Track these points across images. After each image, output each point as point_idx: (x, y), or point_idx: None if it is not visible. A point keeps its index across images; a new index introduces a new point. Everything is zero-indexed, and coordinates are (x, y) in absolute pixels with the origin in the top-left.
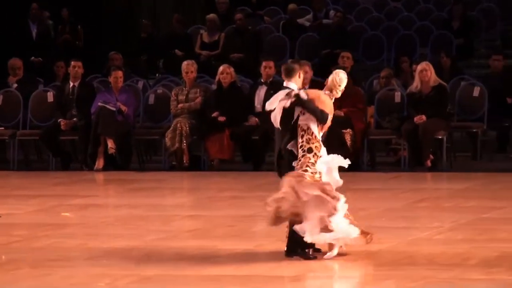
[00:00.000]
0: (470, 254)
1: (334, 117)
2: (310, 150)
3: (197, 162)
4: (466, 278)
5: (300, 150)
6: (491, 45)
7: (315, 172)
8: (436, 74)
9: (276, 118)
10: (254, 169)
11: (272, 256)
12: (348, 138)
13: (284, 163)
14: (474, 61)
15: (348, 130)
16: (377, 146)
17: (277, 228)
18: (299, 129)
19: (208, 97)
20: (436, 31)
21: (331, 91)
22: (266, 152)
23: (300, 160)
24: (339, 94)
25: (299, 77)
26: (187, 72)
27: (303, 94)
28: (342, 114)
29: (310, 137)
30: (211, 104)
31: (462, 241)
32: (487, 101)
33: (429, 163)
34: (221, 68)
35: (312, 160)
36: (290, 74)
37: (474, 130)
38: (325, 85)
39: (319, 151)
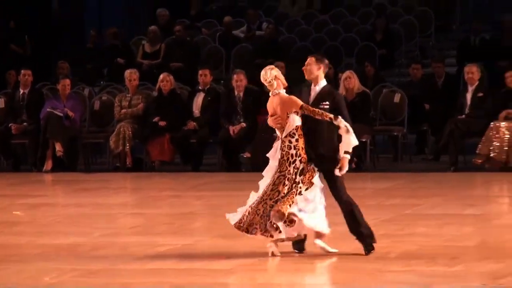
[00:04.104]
0: (391, 248)
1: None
2: None
3: (139, 164)
4: (387, 270)
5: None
6: (411, 55)
7: None
8: (361, 82)
9: None
10: (192, 170)
11: (210, 251)
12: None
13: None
14: (395, 70)
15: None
16: None
17: (215, 224)
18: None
19: (150, 103)
20: (361, 43)
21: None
22: (203, 154)
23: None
24: (270, 88)
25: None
26: (130, 80)
27: None
28: None
29: None
30: (152, 110)
31: (384, 236)
32: (407, 106)
33: (353, 164)
34: (161, 76)
35: None
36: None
37: (395, 134)
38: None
39: None
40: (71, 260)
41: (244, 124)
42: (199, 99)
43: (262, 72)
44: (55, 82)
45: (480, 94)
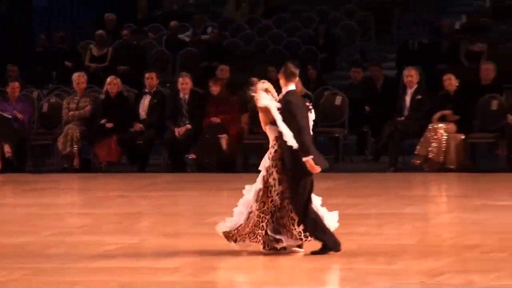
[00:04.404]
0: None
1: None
2: None
3: (87, 165)
4: (328, 268)
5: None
6: (352, 59)
7: None
8: (303, 85)
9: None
10: (139, 170)
11: (156, 249)
12: (224, 142)
13: None
14: (336, 73)
15: (224, 135)
16: (250, 149)
17: (161, 224)
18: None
19: (97, 106)
20: (303, 47)
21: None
22: (149, 155)
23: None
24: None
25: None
26: (77, 83)
27: None
28: (219, 120)
29: None
30: (100, 112)
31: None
32: (348, 109)
33: None
34: (108, 79)
35: None
36: (290, 77)
37: (337, 135)
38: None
39: None
40: (20, 259)
41: (189, 126)
42: (145, 101)
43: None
44: (4, 85)
45: (419, 97)
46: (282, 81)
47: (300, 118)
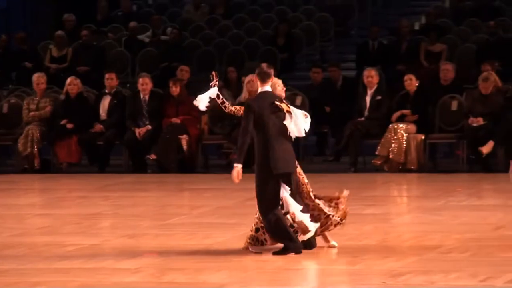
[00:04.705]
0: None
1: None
2: None
3: (47, 165)
4: (284, 268)
5: None
6: (311, 59)
7: None
8: None
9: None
10: (99, 171)
11: (116, 250)
12: (184, 143)
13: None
14: (296, 73)
15: (184, 136)
16: (210, 150)
17: (121, 224)
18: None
19: (57, 106)
20: (263, 47)
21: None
22: (110, 155)
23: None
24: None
25: (272, 80)
26: (37, 84)
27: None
28: (179, 121)
29: None
30: (60, 113)
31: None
32: (308, 109)
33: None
34: (68, 80)
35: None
36: (265, 78)
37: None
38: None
39: None
40: None
41: (149, 127)
42: (105, 102)
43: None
44: None
45: (379, 97)
46: (258, 83)
47: (247, 123)
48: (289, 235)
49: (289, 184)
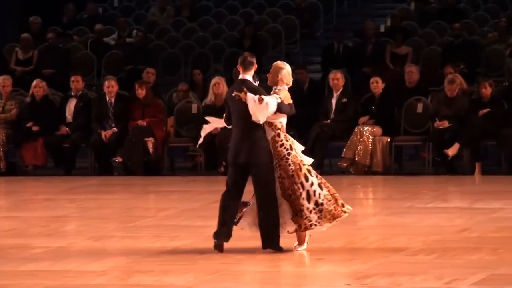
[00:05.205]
0: (258, 249)
1: (137, 126)
2: (292, 148)
3: (13, 168)
4: (253, 271)
5: (282, 149)
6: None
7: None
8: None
9: (258, 114)
10: (65, 173)
11: (83, 253)
12: (150, 145)
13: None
14: (262, 75)
15: (150, 138)
16: (176, 152)
17: (87, 227)
18: (273, 127)
19: (23, 109)
20: (229, 49)
21: (280, 83)
22: (76, 158)
23: (288, 159)
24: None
25: (255, 69)
26: (3, 86)
27: (278, 99)
28: (145, 124)
29: (285, 133)
30: (26, 115)
31: (252, 237)
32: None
33: (222, 168)
34: (34, 82)
35: (300, 158)
36: (248, 67)
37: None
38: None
39: (295, 145)
40: None
41: (115, 129)
42: (71, 104)
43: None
44: None
45: (344, 100)
46: (240, 70)
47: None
48: (219, 223)
49: (246, 174)
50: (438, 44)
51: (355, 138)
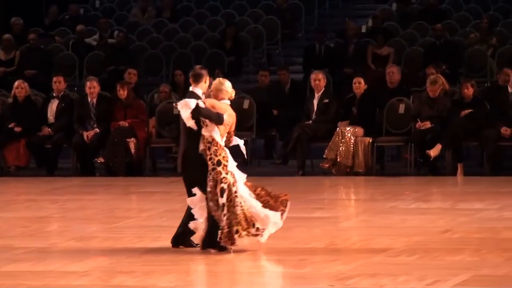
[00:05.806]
0: (241, 250)
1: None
2: (219, 163)
3: None
4: (237, 272)
5: (209, 163)
6: (258, 62)
7: (229, 183)
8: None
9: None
10: (47, 174)
11: (65, 253)
12: (132, 146)
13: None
14: (243, 76)
15: (132, 139)
16: (158, 153)
17: (69, 228)
18: (204, 140)
19: (5, 110)
20: (210, 50)
21: (220, 95)
22: (58, 159)
23: (210, 174)
24: (231, 93)
25: (205, 82)
26: None
27: (200, 104)
28: (127, 124)
29: (217, 147)
30: (8, 116)
31: None
32: (256, 112)
33: None
34: (16, 83)
35: (223, 174)
36: (197, 79)
37: (244, 139)
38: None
39: (226, 161)
40: None
41: (97, 130)
42: (53, 105)
43: (221, 79)
44: None
45: (326, 100)
46: (192, 83)
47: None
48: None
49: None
50: (420, 45)
51: (337, 138)
